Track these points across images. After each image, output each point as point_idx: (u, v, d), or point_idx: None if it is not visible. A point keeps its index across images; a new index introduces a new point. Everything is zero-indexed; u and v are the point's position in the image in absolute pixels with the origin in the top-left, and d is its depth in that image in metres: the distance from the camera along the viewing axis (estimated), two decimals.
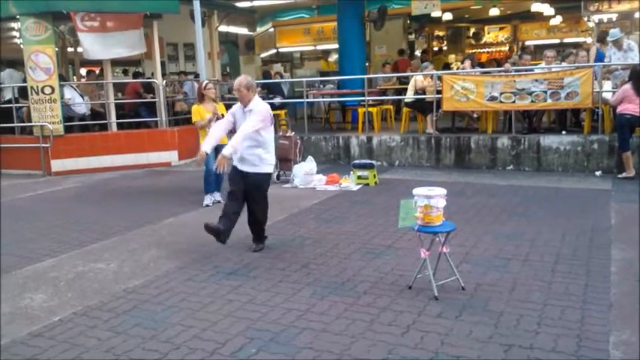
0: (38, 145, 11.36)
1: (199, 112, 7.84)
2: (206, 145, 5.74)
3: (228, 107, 7.16)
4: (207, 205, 7.89)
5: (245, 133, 5.45)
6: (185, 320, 4.11)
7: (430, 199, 4.24)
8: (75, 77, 16.00)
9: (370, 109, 11.67)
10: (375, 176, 9.10)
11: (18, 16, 11.19)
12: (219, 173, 6.66)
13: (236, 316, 4.15)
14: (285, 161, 9.40)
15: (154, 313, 4.26)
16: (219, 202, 7.85)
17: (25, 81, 11.58)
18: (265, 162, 5.70)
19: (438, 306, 4.16)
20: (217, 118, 7.47)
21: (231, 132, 5.95)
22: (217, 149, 6.39)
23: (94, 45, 11.15)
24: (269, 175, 5.83)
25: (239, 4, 17.34)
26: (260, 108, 5.61)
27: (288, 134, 9.58)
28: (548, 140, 9.61)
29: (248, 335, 3.81)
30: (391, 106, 12.92)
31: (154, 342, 3.78)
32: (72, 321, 4.19)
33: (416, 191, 4.33)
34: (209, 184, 7.94)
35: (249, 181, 5.65)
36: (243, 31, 20.10)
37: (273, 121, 5.85)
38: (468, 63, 11.18)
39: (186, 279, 5.00)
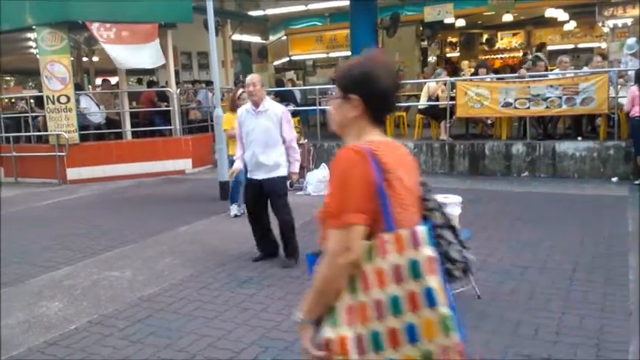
0: (54, 153, 11.47)
1: (230, 121, 7.55)
2: (238, 163, 5.73)
3: None
4: (237, 215, 7.72)
5: (297, 146, 5.57)
6: (200, 329, 4.11)
7: (445, 206, 4.21)
8: (90, 86, 16.16)
9: None
10: None
11: (34, 27, 11.33)
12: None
13: (250, 324, 4.14)
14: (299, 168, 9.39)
15: (169, 322, 4.26)
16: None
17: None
18: (280, 165, 5.53)
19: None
20: None
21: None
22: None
23: (116, 56, 11.22)
24: (284, 177, 5.61)
25: (252, 13, 17.45)
26: (282, 110, 5.56)
27: (301, 142, 9.59)
28: (564, 146, 9.52)
29: (262, 344, 3.80)
30: (404, 113, 12.89)
31: (168, 351, 3.78)
32: (87, 329, 4.20)
33: None
34: (237, 193, 7.82)
35: (266, 189, 5.52)
36: (256, 39, 20.22)
37: None
38: (482, 70, 11.14)
39: (200, 287, 5.00)
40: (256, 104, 5.49)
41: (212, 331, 4.05)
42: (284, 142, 5.53)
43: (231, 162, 7.17)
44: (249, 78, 5.56)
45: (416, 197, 1.87)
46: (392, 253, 1.66)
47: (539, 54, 12.18)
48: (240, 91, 8.03)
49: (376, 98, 1.81)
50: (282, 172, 5.55)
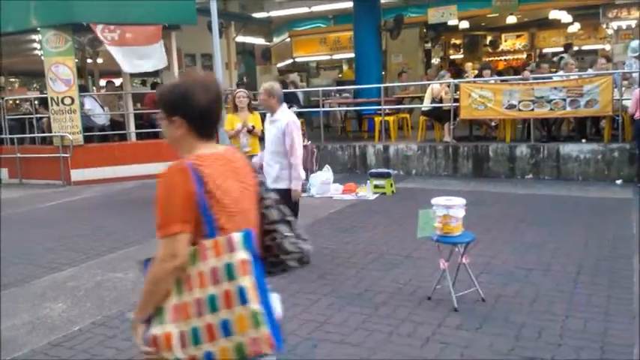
0: (58, 155, 11.50)
1: (231, 122, 7.53)
2: (257, 159, 5.80)
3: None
4: None
5: (300, 161, 5.37)
6: None
7: (449, 208, 4.21)
8: (94, 88, 16.20)
9: (387, 117, 11.65)
10: (392, 185, 9.06)
11: (38, 29, 11.36)
12: None
13: None
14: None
15: None
16: None
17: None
18: (282, 179, 5.42)
19: (458, 317, 4.11)
20: (248, 130, 7.28)
21: (261, 139, 5.96)
22: (249, 158, 6.60)
23: (121, 58, 11.24)
24: (287, 191, 5.35)
25: (256, 15, 17.47)
26: (287, 120, 5.36)
27: (304, 143, 9.57)
28: (568, 148, 9.50)
29: None
30: (408, 115, 12.89)
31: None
32: (91, 331, 4.21)
33: (435, 201, 4.30)
34: None
35: (282, 196, 5.37)
36: (259, 41, 20.23)
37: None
38: (487, 72, 11.13)
39: None
40: (270, 112, 5.50)
41: None
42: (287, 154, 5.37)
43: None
44: (261, 88, 5.57)
45: (250, 202, 2.06)
46: (211, 258, 1.85)
47: (565, 55, 11.97)
48: (238, 90, 8.03)
49: (196, 116, 1.97)
50: (283, 185, 5.36)
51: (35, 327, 4.33)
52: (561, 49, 18.98)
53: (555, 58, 13.91)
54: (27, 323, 4.41)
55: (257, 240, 1.99)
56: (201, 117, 1.99)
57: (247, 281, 1.82)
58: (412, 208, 7.43)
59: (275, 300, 2.01)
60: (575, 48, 19.08)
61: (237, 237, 1.86)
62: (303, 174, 5.50)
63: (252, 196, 2.09)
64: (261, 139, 6.69)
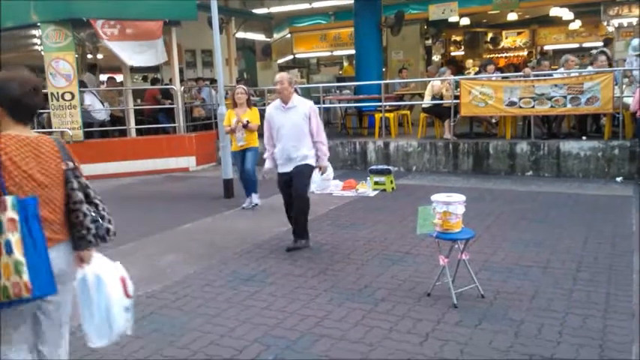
0: None
1: (229, 117, 7.93)
2: (268, 163, 6.10)
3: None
4: (245, 208, 8.03)
5: (325, 140, 5.85)
6: (203, 326, 4.11)
7: (449, 205, 4.21)
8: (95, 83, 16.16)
9: (387, 114, 11.64)
10: (392, 182, 9.06)
11: (39, 24, 11.34)
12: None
13: (253, 322, 4.14)
14: None
15: (172, 319, 4.27)
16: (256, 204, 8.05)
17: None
18: (308, 157, 5.82)
19: (458, 314, 4.11)
20: (244, 126, 7.60)
21: (260, 134, 6.58)
22: (244, 150, 7.73)
23: (120, 51, 11.24)
24: (312, 166, 5.89)
25: (256, 11, 17.44)
26: (309, 106, 5.79)
27: None
28: (568, 146, 9.49)
29: (265, 342, 3.80)
30: (408, 112, 12.87)
31: (172, 348, 3.79)
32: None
33: (434, 197, 4.30)
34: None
35: (293, 174, 5.80)
36: (260, 37, 20.21)
37: None
38: (491, 67, 11.11)
39: (203, 284, 5.00)
40: (285, 101, 5.80)
41: (215, 329, 4.05)
42: (312, 136, 5.80)
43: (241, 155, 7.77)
44: (278, 76, 5.86)
45: (47, 180, 2.58)
46: None
47: (605, 49, 11.80)
48: (238, 87, 8.15)
49: (9, 104, 2.54)
50: (310, 162, 5.84)
51: None
52: (563, 46, 19.00)
53: (594, 51, 13.65)
54: None
55: (60, 215, 2.65)
56: (16, 106, 2.55)
57: (13, 236, 2.33)
58: (412, 204, 7.45)
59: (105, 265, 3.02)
60: (576, 45, 19.08)
61: (9, 200, 2.36)
62: (327, 151, 5.95)
63: (50, 177, 2.60)
64: (260, 134, 6.97)
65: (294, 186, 5.80)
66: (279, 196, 6.26)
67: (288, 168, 5.83)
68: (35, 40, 13.52)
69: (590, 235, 6.02)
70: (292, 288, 4.81)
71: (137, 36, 11.32)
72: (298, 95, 5.97)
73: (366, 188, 8.96)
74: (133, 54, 11.30)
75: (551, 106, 9.46)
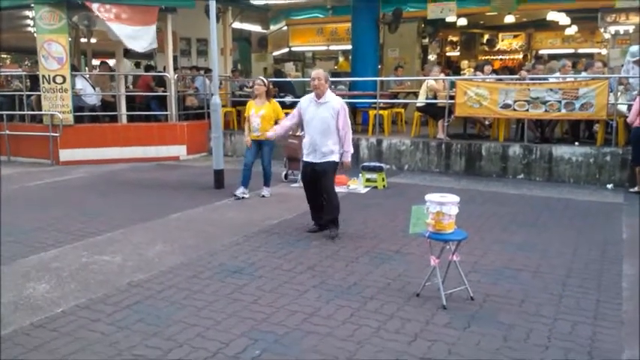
0: (48, 133, 11.35)
1: (248, 108, 8.24)
2: (271, 133, 7.01)
3: (237, 104, 7.17)
4: (238, 198, 8.07)
5: (350, 132, 6.12)
6: (189, 318, 4.05)
7: (443, 205, 4.17)
8: (87, 68, 16.00)
9: (381, 111, 11.60)
10: (383, 179, 9.03)
11: (32, 5, 11.17)
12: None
13: (240, 316, 4.09)
14: (293, 161, 9.34)
15: (158, 309, 4.21)
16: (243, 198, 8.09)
17: None
18: (333, 153, 6.08)
19: (446, 315, 4.09)
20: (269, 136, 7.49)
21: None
22: (260, 144, 8.03)
23: (119, 32, 11.09)
24: (336, 163, 6.15)
25: (254, 2, 17.29)
26: (340, 104, 6.10)
27: (297, 133, 9.50)
28: (561, 151, 9.50)
29: (252, 336, 3.75)
30: (402, 110, 12.84)
31: (156, 339, 3.73)
32: (75, 313, 4.14)
33: (428, 197, 4.25)
34: (245, 176, 8.17)
35: (316, 170, 6.11)
36: (256, 28, 20.06)
37: None
38: (488, 68, 11.09)
39: (191, 275, 4.94)
40: (318, 96, 6.11)
41: (201, 321, 4.00)
42: (338, 132, 6.08)
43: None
44: (314, 73, 6.16)
45: None
46: None
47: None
48: (257, 79, 8.52)
49: None
50: (334, 158, 6.12)
51: (18, 307, 4.25)
52: (559, 50, 19.03)
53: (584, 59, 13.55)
54: (11, 302, 4.32)
55: None
56: None
57: None
58: (403, 203, 7.44)
59: None
60: (571, 51, 19.14)
61: None
62: (352, 148, 6.24)
63: None
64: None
65: (322, 186, 6.13)
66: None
67: (312, 158, 6.13)
68: (29, 22, 13.34)
69: (581, 240, 6.03)
70: (281, 282, 4.76)
71: (132, 21, 11.17)
72: (331, 92, 6.24)
73: (358, 185, 8.93)
74: (127, 38, 11.16)
75: (546, 110, 9.46)
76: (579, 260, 5.38)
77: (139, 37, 11.28)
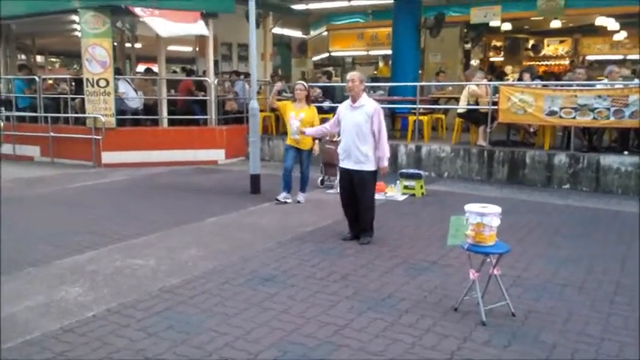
0: (90, 136, 11.55)
1: (285, 106, 8.20)
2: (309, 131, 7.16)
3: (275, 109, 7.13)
4: (279, 202, 8.04)
5: (384, 137, 5.95)
6: (219, 326, 3.98)
7: (483, 216, 3.98)
8: (131, 72, 16.27)
9: (421, 117, 11.39)
10: (422, 187, 8.83)
11: (78, 9, 11.41)
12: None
13: (270, 325, 3.99)
14: (330, 166, 9.23)
15: (188, 316, 4.14)
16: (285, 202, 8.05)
17: None
18: (370, 159, 5.97)
19: (486, 332, 3.89)
20: (302, 132, 7.57)
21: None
22: (299, 152, 8.00)
23: (156, 24, 11.18)
24: (374, 172, 6.04)
25: (294, 7, 17.31)
26: (374, 107, 5.95)
27: (335, 139, 9.39)
28: (609, 160, 9.12)
29: (281, 348, 3.64)
30: (443, 116, 12.59)
31: (185, 347, 3.66)
32: (105, 318, 4.11)
33: (468, 207, 4.07)
34: (285, 181, 8.13)
35: (354, 180, 6.02)
36: (296, 33, 20.08)
37: None
38: (527, 76, 10.76)
39: (223, 282, 4.88)
40: (353, 99, 6.06)
41: (231, 330, 3.91)
42: (374, 136, 5.94)
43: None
44: (349, 75, 6.14)
45: None
46: None
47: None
48: (298, 82, 8.59)
49: None
50: (370, 166, 5.99)
51: (49, 310, 4.25)
52: (606, 57, 18.40)
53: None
54: (41, 305, 4.34)
55: None
56: None
57: None
58: (442, 212, 7.23)
59: None
60: (620, 57, 18.47)
61: None
62: (388, 152, 6.07)
63: None
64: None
65: (362, 198, 6.03)
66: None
67: (347, 164, 6.06)
68: (75, 26, 13.64)
69: (629, 255, 5.72)
70: (313, 292, 4.64)
71: (175, 19, 11.31)
72: (367, 95, 6.15)
73: (395, 192, 8.75)
74: (169, 27, 11.19)
75: (594, 118, 9.10)
76: (628, 276, 5.08)
77: (183, 27, 11.38)
